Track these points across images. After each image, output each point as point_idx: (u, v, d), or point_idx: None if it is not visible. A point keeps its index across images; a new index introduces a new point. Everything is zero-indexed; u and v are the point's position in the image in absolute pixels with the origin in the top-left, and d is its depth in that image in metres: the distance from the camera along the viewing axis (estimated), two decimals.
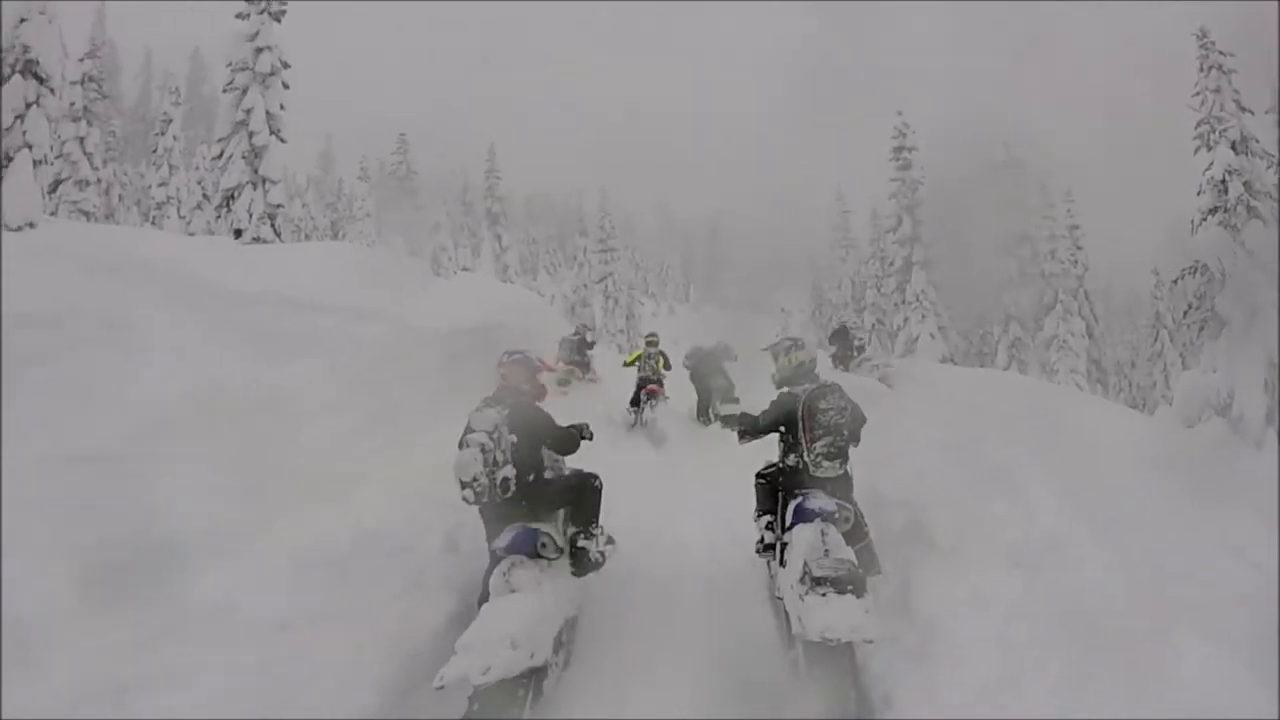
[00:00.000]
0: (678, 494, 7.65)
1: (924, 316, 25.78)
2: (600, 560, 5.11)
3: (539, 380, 5.32)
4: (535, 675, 4.13)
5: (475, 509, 4.74)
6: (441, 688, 3.66)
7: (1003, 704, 3.74)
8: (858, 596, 3.92)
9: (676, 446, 10.60)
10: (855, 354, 15.33)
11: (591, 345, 14.49)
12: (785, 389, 5.24)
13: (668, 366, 13.15)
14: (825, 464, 4.83)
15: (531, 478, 4.80)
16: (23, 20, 12.81)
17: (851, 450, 5.08)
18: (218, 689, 3.48)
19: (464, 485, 4.45)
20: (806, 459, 4.85)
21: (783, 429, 5.13)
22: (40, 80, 13.37)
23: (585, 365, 13.87)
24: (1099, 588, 4.31)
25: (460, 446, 4.64)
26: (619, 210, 42.90)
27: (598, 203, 41.24)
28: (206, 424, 5.09)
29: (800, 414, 4.92)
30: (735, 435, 5.38)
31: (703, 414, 12.50)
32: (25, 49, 13.03)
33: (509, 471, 4.58)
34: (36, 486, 3.79)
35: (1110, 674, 3.74)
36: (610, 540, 5.66)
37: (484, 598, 4.41)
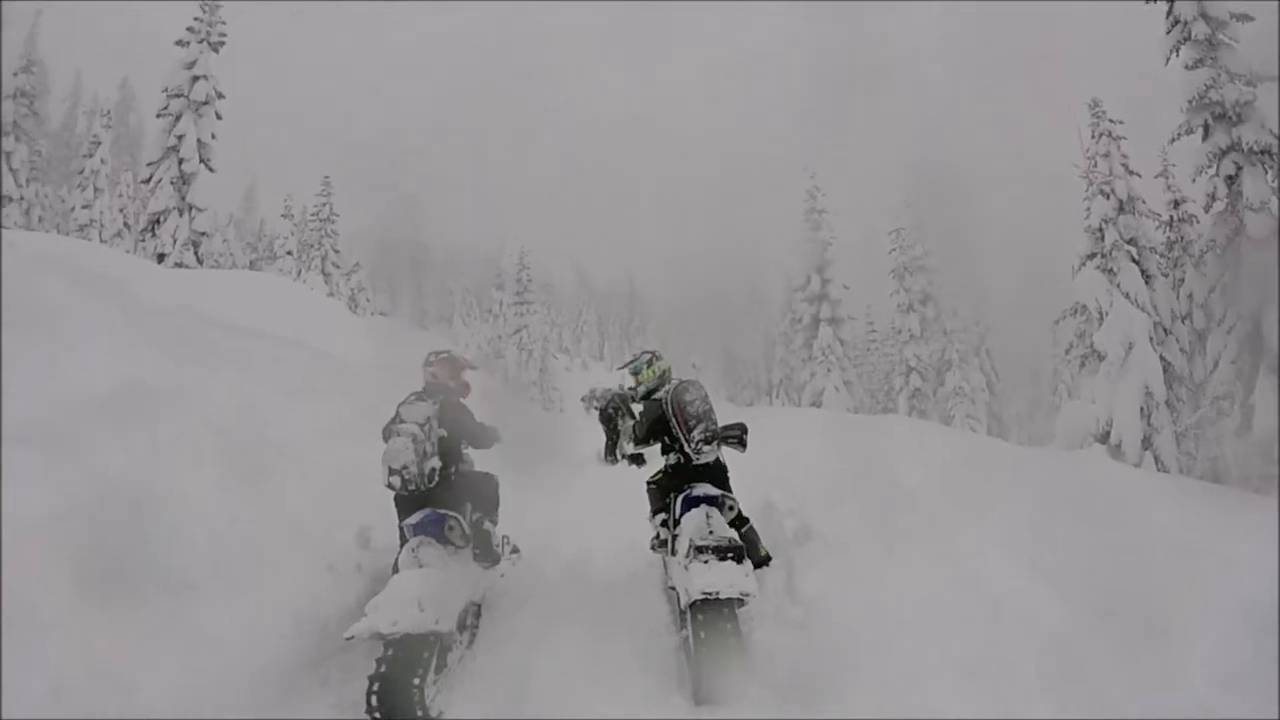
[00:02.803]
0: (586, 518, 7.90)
1: (829, 371, 26.65)
2: (500, 553, 5.49)
3: (464, 378, 5.60)
4: (440, 644, 4.36)
5: (385, 504, 5.00)
6: (351, 638, 3.97)
7: (879, 669, 4.11)
8: (738, 563, 4.31)
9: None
10: None
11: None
12: (649, 398, 5.68)
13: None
14: (705, 449, 5.21)
15: (452, 470, 5.08)
16: None
17: (739, 456, 5.44)
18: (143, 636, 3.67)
19: (393, 472, 4.67)
20: (688, 449, 5.23)
21: (661, 432, 5.50)
22: None
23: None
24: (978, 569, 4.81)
25: (387, 436, 4.89)
26: (537, 266, 43.29)
27: (517, 258, 41.60)
28: (134, 412, 5.18)
29: (671, 411, 5.33)
30: (638, 469, 5.72)
31: (610, 454, 12.55)
32: None
33: (435, 462, 4.83)
34: None
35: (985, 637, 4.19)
36: (515, 549, 5.96)
37: (394, 572, 4.62)
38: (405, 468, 4.64)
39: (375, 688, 4.00)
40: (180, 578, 4.14)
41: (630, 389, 6.06)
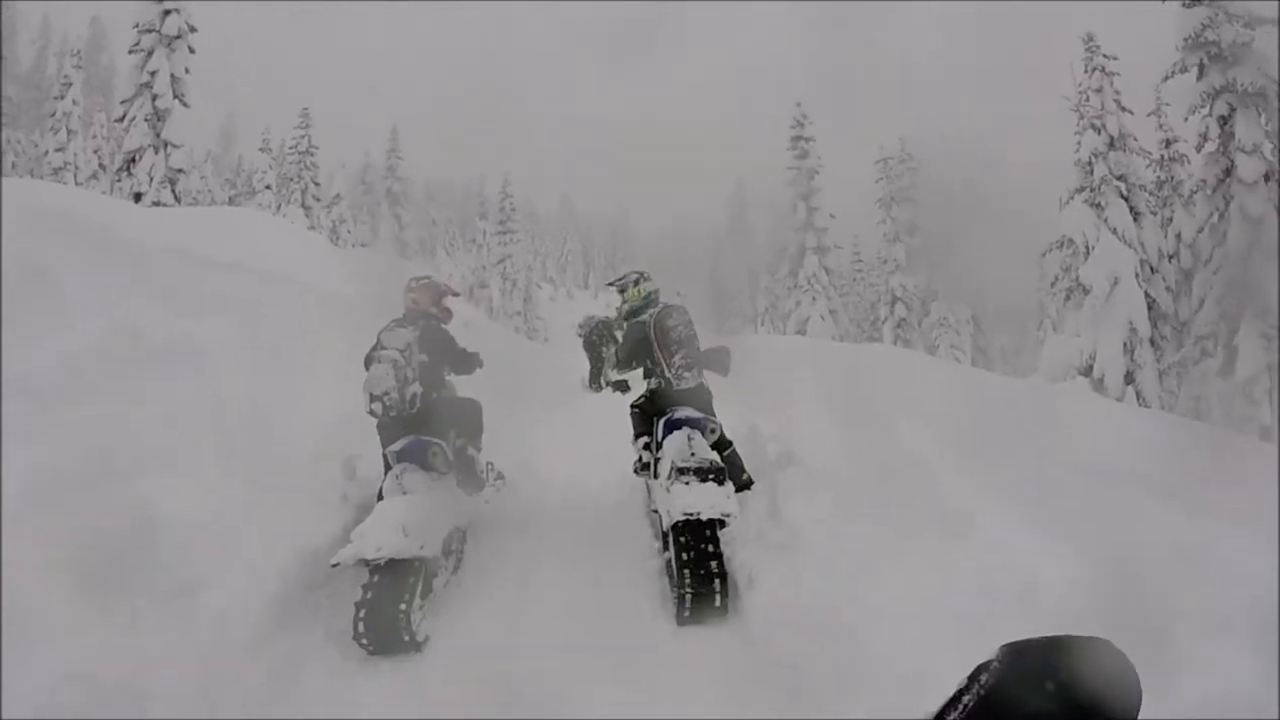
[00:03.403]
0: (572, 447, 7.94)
1: (814, 299, 26.63)
2: (485, 479, 5.48)
3: (445, 304, 5.54)
4: (425, 569, 4.37)
5: (372, 436, 4.98)
6: (337, 565, 4.02)
7: (858, 589, 4.14)
8: (719, 484, 4.32)
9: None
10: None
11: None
12: (633, 319, 5.60)
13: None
14: (686, 375, 5.20)
15: (434, 396, 5.05)
16: None
17: (723, 382, 5.45)
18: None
19: (374, 399, 4.65)
20: (668, 374, 5.21)
21: (643, 356, 5.46)
22: None
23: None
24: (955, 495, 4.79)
25: (368, 363, 4.85)
26: (521, 195, 42.87)
27: (500, 187, 41.17)
28: (126, 366, 5.21)
29: (653, 335, 5.30)
30: (622, 395, 5.70)
31: (594, 381, 12.54)
32: None
33: (417, 388, 4.82)
34: None
35: (958, 561, 4.21)
36: (501, 476, 5.96)
37: (379, 499, 4.63)
38: (386, 394, 4.62)
39: (362, 614, 4.01)
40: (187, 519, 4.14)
41: (617, 309, 6.00)
